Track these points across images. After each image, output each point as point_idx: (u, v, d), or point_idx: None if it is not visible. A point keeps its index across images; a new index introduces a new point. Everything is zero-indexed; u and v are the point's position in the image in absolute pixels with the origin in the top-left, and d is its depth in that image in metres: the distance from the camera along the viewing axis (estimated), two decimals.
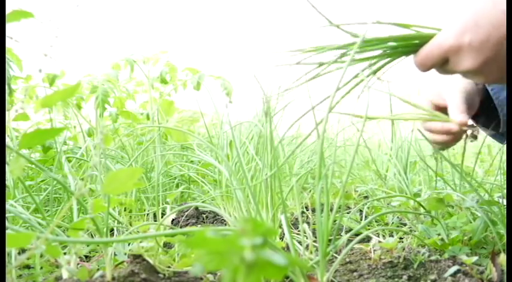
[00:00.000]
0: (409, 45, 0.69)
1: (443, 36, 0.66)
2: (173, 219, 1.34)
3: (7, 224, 0.57)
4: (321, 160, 0.57)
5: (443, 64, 0.69)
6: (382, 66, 0.69)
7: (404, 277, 0.70)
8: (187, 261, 0.75)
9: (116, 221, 1.00)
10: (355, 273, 0.75)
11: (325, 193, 0.59)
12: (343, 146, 1.69)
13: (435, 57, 0.67)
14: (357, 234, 0.75)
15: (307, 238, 0.88)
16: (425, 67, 0.70)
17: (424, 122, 0.85)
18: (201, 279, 0.74)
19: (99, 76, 1.62)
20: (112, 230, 1.02)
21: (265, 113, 0.90)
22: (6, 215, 0.69)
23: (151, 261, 0.73)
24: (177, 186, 1.62)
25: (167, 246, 1.02)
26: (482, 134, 0.94)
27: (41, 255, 0.74)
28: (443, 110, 0.82)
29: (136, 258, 0.72)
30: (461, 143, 0.85)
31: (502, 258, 0.73)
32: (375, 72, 0.68)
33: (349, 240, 0.74)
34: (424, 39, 0.68)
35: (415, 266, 0.73)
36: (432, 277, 0.70)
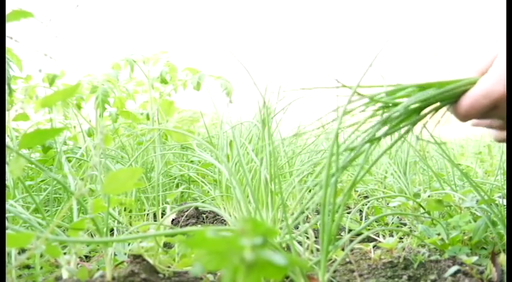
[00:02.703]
0: (448, 98, 0.63)
1: (489, 84, 0.60)
2: (173, 219, 1.34)
3: (7, 224, 0.57)
4: (329, 161, 0.57)
5: (487, 112, 0.63)
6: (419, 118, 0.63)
7: (404, 277, 0.70)
8: (187, 261, 0.75)
9: (116, 221, 1.00)
10: (355, 273, 0.75)
11: (326, 193, 0.59)
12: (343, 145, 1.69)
13: (483, 107, 0.61)
14: (357, 235, 0.74)
15: (307, 238, 0.88)
16: (469, 118, 0.64)
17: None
18: (201, 279, 0.74)
19: (99, 76, 1.61)
20: (112, 230, 1.02)
21: (263, 120, 0.90)
22: (6, 215, 0.70)
23: (151, 261, 0.73)
24: (177, 186, 1.62)
25: (167, 246, 1.02)
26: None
27: (41, 255, 0.74)
28: None
29: (136, 258, 0.72)
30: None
31: (502, 258, 0.73)
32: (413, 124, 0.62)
33: (350, 240, 0.74)
34: (461, 89, 0.62)
35: (415, 266, 0.73)
36: (432, 277, 0.70)
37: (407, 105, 0.60)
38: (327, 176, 0.58)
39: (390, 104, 0.60)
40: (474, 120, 0.70)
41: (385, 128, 0.61)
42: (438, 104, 0.63)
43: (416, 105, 0.61)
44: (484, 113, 0.62)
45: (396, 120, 0.60)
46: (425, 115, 0.63)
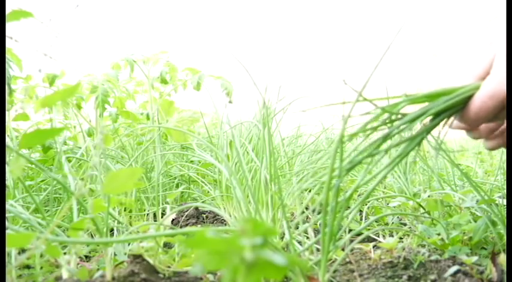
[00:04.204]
0: (455, 104, 0.63)
1: (494, 85, 0.61)
2: (173, 219, 1.34)
3: (7, 224, 0.57)
4: (333, 161, 0.58)
5: (495, 114, 0.63)
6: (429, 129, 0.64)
7: (404, 277, 0.70)
8: (187, 261, 0.75)
9: (116, 221, 1.00)
10: (355, 273, 0.75)
11: (328, 194, 0.59)
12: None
13: (491, 108, 0.61)
14: (357, 235, 0.74)
15: (307, 238, 0.88)
16: (478, 122, 0.63)
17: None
18: (201, 279, 0.74)
19: (99, 76, 1.61)
20: (112, 230, 1.02)
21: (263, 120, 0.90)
22: (6, 215, 0.69)
23: (151, 261, 0.73)
24: (177, 186, 1.62)
25: (167, 246, 1.02)
26: None
27: (41, 255, 0.74)
28: None
29: (136, 258, 0.72)
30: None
31: (502, 258, 0.73)
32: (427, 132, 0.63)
33: (350, 240, 0.74)
34: (466, 95, 0.63)
35: (415, 266, 0.73)
36: (432, 277, 0.70)
37: (418, 115, 0.61)
38: (329, 177, 0.58)
39: (398, 116, 0.61)
40: (475, 133, 0.71)
41: (394, 137, 0.61)
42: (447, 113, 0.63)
43: (426, 114, 0.61)
44: (492, 115, 0.63)
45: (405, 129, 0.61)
46: (437, 124, 0.63)
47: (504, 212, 0.84)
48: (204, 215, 1.36)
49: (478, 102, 0.61)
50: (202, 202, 1.38)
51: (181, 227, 1.28)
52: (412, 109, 0.62)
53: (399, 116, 0.61)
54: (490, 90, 0.61)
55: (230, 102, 1.76)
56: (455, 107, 0.63)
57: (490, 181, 1.24)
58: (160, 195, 1.30)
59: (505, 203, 0.89)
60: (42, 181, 1.36)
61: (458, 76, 0.68)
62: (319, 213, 0.61)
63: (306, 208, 1.23)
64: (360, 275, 0.73)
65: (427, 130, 0.63)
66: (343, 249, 0.82)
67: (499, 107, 0.61)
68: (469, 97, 0.63)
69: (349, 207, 1.33)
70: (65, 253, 0.69)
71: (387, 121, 0.61)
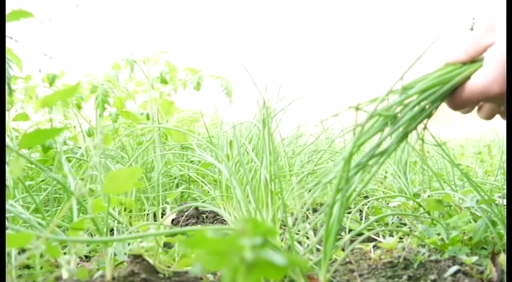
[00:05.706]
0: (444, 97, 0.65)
1: (486, 83, 0.62)
2: (173, 219, 1.34)
3: (7, 224, 0.57)
4: (348, 162, 0.58)
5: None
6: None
7: (404, 277, 0.70)
8: (187, 261, 0.75)
9: (116, 221, 1.00)
10: (355, 273, 0.75)
11: (334, 198, 0.59)
12: (344, 144, 1.69)
13: (478, 101, 0.64)
14: (357, 235, 0.75)
15: (307, 238, 0.88)
16: (463, 108, 0.67)
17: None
18: (201, 279, 0.74)
19: (99, 76, 1.61)
20: (112, 230, 1.02)
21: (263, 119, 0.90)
22: (6, 215, 0.69)
23: (151, 261, 0.73)
24: (177, 186, 1.62)
25: (167, 246, 1.02)
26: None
27: (41, 255, 0.74)
28: None
29: (136, 258, 0.72)
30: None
31: (502, 258, 0.73)
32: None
33: (350, 241, 0.74)
34: (458, 84, 0.64)
35: (415, 266, 0.73)
36: (432, 277, 0.70)
37: (415, 116, 0.62)
38: (338, 182, 0.58)
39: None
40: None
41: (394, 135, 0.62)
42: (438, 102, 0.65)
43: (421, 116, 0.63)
44: (477, 104, 0.68)
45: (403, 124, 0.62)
46: (430, 114, 0.64)
47: (504, 212, 0.84)
48: (204, 215, 1.36)
49: (467, 94, 0.64)
50: (202, 202, 1.38)
51: (181, 227, 1.28)
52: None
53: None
54: (482, 87, 0.62)
55: (230, 102, 1.76)
56: (446, 96, 0.65)
57: (490, 181, 1.24)
58: (160, 195, 1.30)
59: (505, 203, 0.89)
60: (42, 181, 1.36)
61: (451, 49, 0.69)
62: (319, 211, 0.61)
63: (307, 210, 1.23)
64: (360, 275, 0.73)
65: (417, 123, 0.64)
66: (343, 249, 0.82)
67: (486, 101, 0.65)
68: (460, 83, 0.64)
69: (348, 207, 1.33)
70: (65, 253, 0.69)
71: (385, 123, 0.62)
